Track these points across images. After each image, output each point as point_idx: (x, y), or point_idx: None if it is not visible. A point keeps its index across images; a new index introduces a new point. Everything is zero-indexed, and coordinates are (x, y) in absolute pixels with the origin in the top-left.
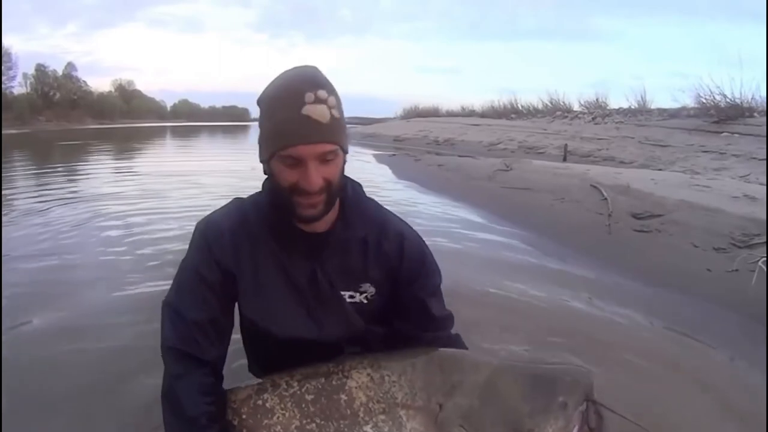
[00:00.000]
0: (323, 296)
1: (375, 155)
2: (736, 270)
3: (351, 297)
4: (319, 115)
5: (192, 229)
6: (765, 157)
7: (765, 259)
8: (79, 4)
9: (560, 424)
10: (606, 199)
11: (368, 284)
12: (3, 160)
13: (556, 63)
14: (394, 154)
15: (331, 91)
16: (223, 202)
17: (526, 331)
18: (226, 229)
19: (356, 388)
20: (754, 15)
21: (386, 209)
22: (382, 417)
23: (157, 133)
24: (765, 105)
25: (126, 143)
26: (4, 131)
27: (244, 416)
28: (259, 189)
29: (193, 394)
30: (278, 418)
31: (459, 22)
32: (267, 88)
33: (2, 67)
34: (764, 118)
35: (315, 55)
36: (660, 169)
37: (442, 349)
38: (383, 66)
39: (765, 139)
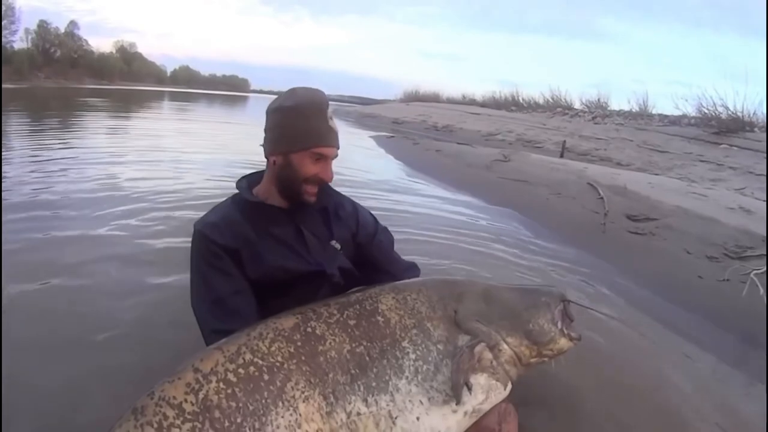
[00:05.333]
0: (310, 245)
1: (373, 137)
2: (728, 280)
3: None
4: (336, 128)
5: None
6: (762, 172)
7: (757, 271)
8: None
9: (548, 316)
10: (602, 198)
11: (334, 241)
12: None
13: (560, 59)
14: (392, 136)
15: None
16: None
17: None
18: (219, 219)
19: (388, 309)
20: (759, 32)
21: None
22: (415, 331)
23: (156, 97)
24: (766, 120)
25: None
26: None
27: (299, 343)
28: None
29: None
30: (331, 343)
31: (465, 10)
32: (289, 99)
33: (5, 21)
34: (764, 134)
35: (319, 31)
36: (657, 174)
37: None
38: (386, 48)
39: (763, 154)
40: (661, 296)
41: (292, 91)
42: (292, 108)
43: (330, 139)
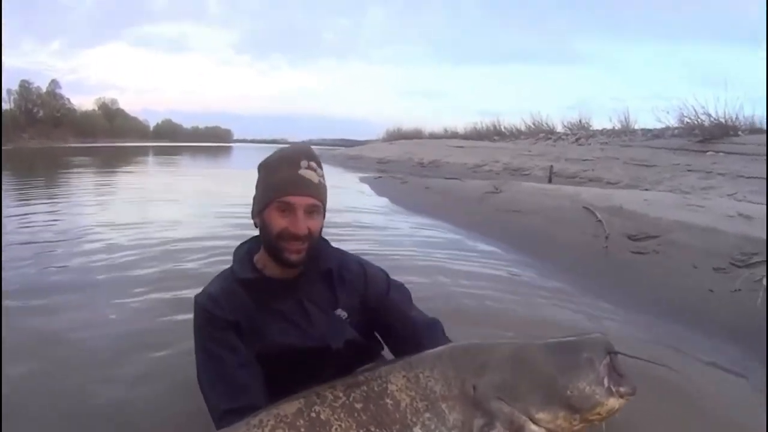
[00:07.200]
0: (313, 318)
1: (361, 177)
2: (739, 290)
3: None
4: (311, 176)
5: None
6: (752, 175)
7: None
8: (65, 22)
9: (591, 377)
10: (600, 221)
11: (340, 309)
12: None
13: (538, 85)
14: (379, 177)
15: (320, 165)
16: None
17: None
18: (217, 292)
19: (398, 390)
20: (733, 38)
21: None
22: (428, 415)
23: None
24: (766, 123)
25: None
26: None
27: (302, 430)
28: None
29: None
30: (336, 429)
31: (441, 46)
32: (268, 157)
33: None
34: (750, 137)
35: (297, 77)
36: (647, 189)
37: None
38: (366, 89)
39: (751, 156)
40: (674, 316)
41: (277, 149)
42: (264, 165)
43: (294, 187)
